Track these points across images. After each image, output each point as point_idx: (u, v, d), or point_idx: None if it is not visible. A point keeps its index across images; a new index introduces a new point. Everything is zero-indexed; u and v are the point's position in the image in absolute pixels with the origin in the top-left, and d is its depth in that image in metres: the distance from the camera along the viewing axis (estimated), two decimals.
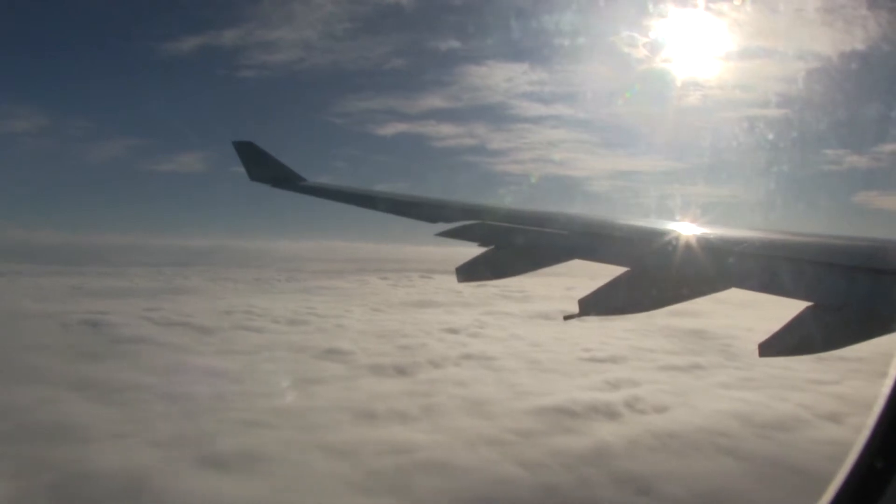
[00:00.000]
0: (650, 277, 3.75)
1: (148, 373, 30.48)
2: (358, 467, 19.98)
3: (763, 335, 3.05)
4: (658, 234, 4.22)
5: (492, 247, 4.55)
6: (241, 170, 7.51)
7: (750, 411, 26.27)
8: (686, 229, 4.25)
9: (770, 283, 3.28)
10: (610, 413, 26.03)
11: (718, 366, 34.74)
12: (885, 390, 2.08)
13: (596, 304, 3.67)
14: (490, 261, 4.45)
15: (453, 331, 44.02)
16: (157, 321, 43.99)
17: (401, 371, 32.74)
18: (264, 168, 7.33)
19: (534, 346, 39.55)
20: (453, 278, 4.53)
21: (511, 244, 4.69)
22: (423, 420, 24.86)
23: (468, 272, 4.42)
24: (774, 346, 2.97)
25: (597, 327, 41.44)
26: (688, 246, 3.90)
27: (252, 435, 22.37)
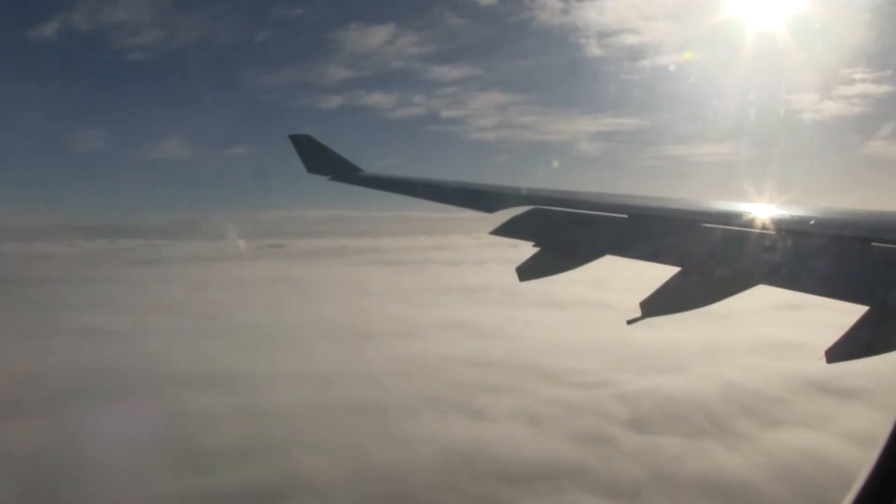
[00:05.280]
0: (708, 272, 3.64)
1: None
2: None
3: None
4: (712, 220, 4.04)
5: (546, 244, 4.43)
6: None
7: None
8: (743, 214, 4.05)
9: (829, 283, 3.17)
10: None
11: None
12: (888, 429, 1.95)
13: (657, 305, 3.54)
14: (547, 259, 4.34)
15: None
16: None
17: None
18: (322, 161, 7.24)
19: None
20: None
21: (565, 237, 4.62)
22: None
23: (527, 272, 4.30)
24: (842, 350, 2.88)
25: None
26: (747, 235, 3.80)
27: None
